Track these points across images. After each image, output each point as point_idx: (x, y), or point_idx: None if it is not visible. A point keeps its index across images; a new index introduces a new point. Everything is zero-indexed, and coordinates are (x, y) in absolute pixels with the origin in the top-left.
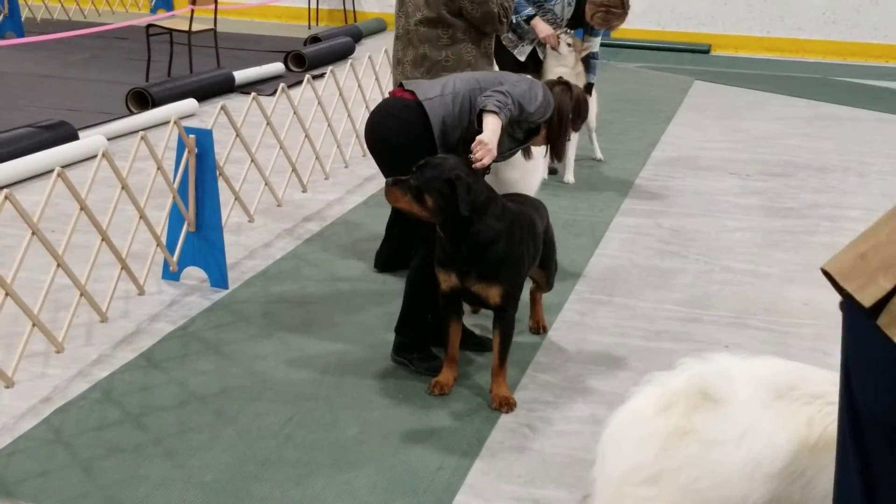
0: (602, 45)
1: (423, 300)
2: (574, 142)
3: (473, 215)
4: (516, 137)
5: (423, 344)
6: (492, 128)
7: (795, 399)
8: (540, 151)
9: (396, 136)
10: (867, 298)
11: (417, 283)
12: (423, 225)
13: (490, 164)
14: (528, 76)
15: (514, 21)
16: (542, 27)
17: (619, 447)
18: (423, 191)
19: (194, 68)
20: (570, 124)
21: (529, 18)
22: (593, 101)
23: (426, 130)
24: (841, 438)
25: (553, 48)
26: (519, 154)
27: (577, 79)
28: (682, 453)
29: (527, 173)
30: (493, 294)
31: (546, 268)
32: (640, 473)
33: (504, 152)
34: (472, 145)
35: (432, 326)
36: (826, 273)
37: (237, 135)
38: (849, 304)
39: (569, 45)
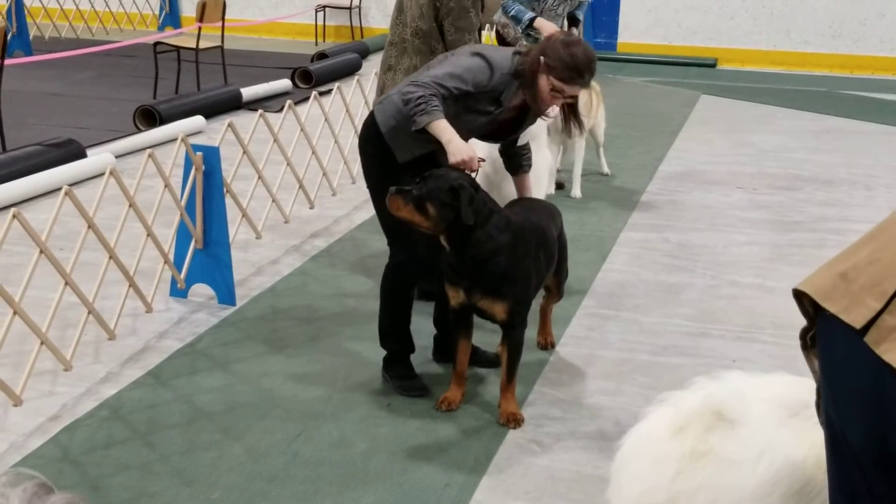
0: (609, 59)
1: (396, 309)
2: (581, 156)
3: (476, 224)
4: (486, 111)
5: (403, 358)
6: (446, 139)
7: (810, 416)
8: (543, 165)
9: (363, 144)
10: (857, 319)
11: (389, 290)
12: (397, 229)
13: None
14: (484, 45)
15: (522, 30)
16: (545, 26)
17: (633, 469)
18: (425, 200)
19: (202, 85)
20: (556, 76)
21: (531, 21)
22: (601, 116)
23: (380, 135)
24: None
25: None
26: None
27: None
28: (699, 475)
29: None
30: (499, 310)
31: (557, 275)
32: (656, 496)
33: (475, 128)
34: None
35: (439, 341)
36: (798, 294)
37: (244, 152)
38: (827, 326)
39: None
